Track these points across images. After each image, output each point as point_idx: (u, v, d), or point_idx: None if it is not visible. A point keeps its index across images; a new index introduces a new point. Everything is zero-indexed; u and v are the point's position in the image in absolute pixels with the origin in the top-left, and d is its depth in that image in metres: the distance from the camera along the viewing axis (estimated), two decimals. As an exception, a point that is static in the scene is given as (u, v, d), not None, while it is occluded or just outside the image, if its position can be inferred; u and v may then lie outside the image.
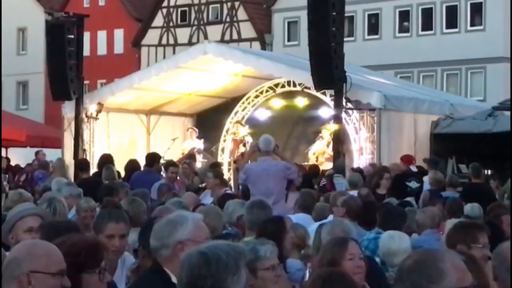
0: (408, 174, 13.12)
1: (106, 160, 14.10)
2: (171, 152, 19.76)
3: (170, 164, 12.79)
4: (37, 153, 18.87)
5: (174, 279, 3.89)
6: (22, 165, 20.43)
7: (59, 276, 2.99)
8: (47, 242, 3.20)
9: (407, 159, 15.06)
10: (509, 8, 31.63)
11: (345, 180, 12.56)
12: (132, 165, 13.53)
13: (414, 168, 14.41)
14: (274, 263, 4.33)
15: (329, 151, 18.16)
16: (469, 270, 2.93)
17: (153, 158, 13.48)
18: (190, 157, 17.18)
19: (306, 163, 18.31)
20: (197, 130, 20.44)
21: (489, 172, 15.42)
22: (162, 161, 15.88)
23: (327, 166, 17.29)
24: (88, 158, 17.92)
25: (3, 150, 22.97)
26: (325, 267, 4.41)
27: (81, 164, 14.60)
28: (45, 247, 3.08)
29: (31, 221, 4.59)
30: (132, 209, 6.83)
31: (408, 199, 11.13)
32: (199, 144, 20.03)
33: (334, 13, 16.03)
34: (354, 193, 10.37)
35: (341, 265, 4.55)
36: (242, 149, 19.14)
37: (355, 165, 16.12)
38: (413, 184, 12.40)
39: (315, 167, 16.61)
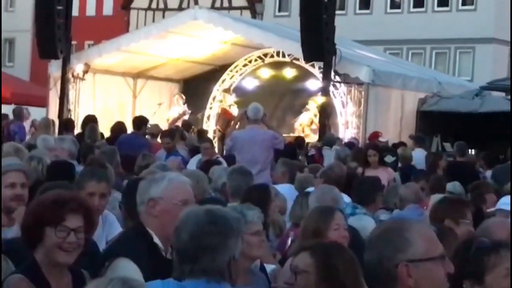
0: (383, 149, 13.12)
1: (90, 121, 14.02)
2: (156, 117, 19.67)
3: (206, 139, 12.65)
4: (14, 110, 18.65)
5: (156, 239, 3.87)
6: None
7: None
8: None
9: (373, 136, 15.11)
10: (501, -10, 31.60)
11: (333, 152, 12.54)
12: (119, 127, 13.45)
13: (384, 139, 14.35)
14: (259, 229, 4.34)
15: (316, 123, 18.15)
16: (445, 242, 2.93)
17: (140, 122, 13.40)
18: (186, 126, 17.09)
19: (292, 134, 18.29)
20: (184, 96, 20.35)
21: (473, 151, 15.47)
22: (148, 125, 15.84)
23: (312, 138, 17.29)
24: (73, 118, 17.82)
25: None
26: (309, 238, 4.39)
27: (66, 124, 14.52)
28: None
29: (14, 177, 4.54)
30: None
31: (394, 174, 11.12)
32: (185, 109, 19.94)
33: (327, -15, 15.95)
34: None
35: (326, 235, 4.55)
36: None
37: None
38: (389, 159, 12.40)
39: (300, 139, 16.58)
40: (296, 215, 6.28)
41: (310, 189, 7.86)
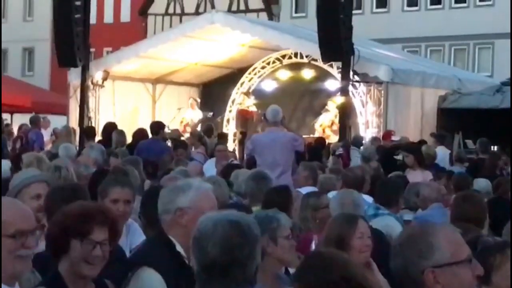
0: (395, 147, 13.04)
1: (111, 128, 14.07)
2: (177, 121, 19.75)
3: (219, 142, 12.55)
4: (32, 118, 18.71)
5: (178, 247, 3.86)
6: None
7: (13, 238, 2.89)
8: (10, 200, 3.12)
9: (386, 135, 15.02)
10: (519, -16, 31.35)
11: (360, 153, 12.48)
12: (141, 133, 13.45)
13: (396, 137, 14.23)
14: (289, 232, 4.35)
15: (336, 124, 18.09)
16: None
17: (158, 127, 13.43)
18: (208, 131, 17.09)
19: (312, 135, 18.26)
20: (198, 100, 20.41)
21: (495, 148, 15.35)
22: (167, 130, 15.88)
23: (333, 139, 17.23)
24: (93, 125, 17.89)
25: (8, 115, 22.94)
26: (332, 246, 4.37)
27: (88, 132, 14.56)
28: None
29: (38, 188, 4.55)
30: None
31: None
32: (199, 114, 19.99)
33: (343, -15, 15.89)
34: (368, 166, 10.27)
35: (350, 244, 4.54)
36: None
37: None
38: (401, 156, 12.33)
39: (322, 139, 16.54)
40: (303, 216, 6.24)
41: (332, 193, 7.84)
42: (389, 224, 6.49)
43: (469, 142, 15.88)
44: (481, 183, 9.20)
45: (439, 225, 2.89)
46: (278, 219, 4.29)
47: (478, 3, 32.76)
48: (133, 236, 5.36)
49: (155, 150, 11.40)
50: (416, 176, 9.86)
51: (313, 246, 5.52)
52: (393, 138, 14.54)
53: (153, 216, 4.06)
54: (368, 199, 7.44)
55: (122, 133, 13.04)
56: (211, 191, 4.01)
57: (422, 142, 13.87)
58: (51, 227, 3.55)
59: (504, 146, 14.49)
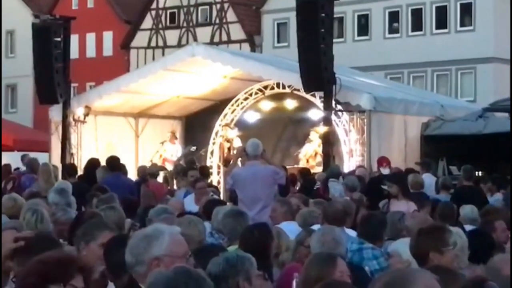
0: (382, 177, 12.95)
1: (93, 165, 13.92)
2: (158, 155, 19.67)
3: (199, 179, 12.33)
4: (23, 157, 18.63)
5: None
6: (9, 170, 20.15)
7: None
8: None
9: (380, 161, 14.89)
10: (498, 8, 31.62)
11: (340, 184, 12.32)
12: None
13: (385, 171, 14.10)
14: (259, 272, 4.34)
15: (321, 154, 18.01)
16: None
17: (115, 162, 13.25)
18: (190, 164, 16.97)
19: (296, 166, 18.17)
20: (176, 135, 20.37)
21: (480, 173, 15.31)
22: (147, 164, 15.76)
23: (318, 170, 17.15)
24: (75, 162, 17.74)
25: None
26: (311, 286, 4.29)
27: (69, 169, 14.39)
28: None
29: (6, 236, 4.44)
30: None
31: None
32: (179, 148, 19.89)
33: (323, 15, 15.93)
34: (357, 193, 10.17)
35: None
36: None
37: (345, 168, 15.99)
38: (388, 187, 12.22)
39: (305, 170, 16.44)
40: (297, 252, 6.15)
41: (315, 226, 7.72)
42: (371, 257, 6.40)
43: (454, 169, 15.84)
44: (467, 210, 9.12)
45: (418, 271, 2.78)
46: (249, 258, 4.26)
47: (459, 28, 32.99)
48: None
49: (122, 187, 11.18)
50: (400, 206, 9.75)
51: (293, 285, 5.39)
52: (382, 169, 14.32)
53: (120, 266, 3.89)
54: (352, 233, 7.32)
55: (107, 170, 12.89)
56: (180, 234, 3.88)
57: (409, 170, 13.79)
58: (26, 276, 3.44)
59: (488, 171, 14.46)
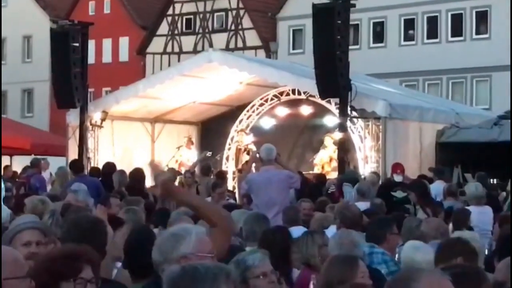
0: (393, 184, 12.97)
1: (110, 169, 14.04)
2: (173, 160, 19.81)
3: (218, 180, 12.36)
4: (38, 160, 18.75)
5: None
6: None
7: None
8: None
9: (394, 168, 14.87)
10: (514, 16, 31.58)
11: (353, 189, 12.38)
12: (138, 174, 13.39)
13: (398, 178, 14.12)
14: (266, 270, 4.28)
15: (335, 159, 18.06)
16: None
17: (78, 164, 13.46)
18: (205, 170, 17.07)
19: (311, 172, 18.24)
20: (193, 140, 20.50)
21: (495, 181, 15.32)
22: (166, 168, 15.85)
23: (333, 175, 17.20)
24: (97, 166, 17.84)
25: (7, 158, 22.95)
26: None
27: (74, 166, 14.32)
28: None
29: (29, 235, 4.52)
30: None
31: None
32: (194, 153, 20.00)
33: (339, 21, 16.01)
34: (362, 203, 10.22)
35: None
36: (246, 157, 19.09)
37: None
38: (399, 194, 12.24)
39: (321, 176, 16.51)
40: (303, 255, 6.20)
41: (332, 228, 7.79)
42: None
43: (468, 176, 15.85)
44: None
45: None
46: (244, 261, 4.24)
47: (474, 36, 32.97)
48: None
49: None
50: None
51: (311, 286, 5.46)
52: (395, 176, 14.30)
53: (144, 265, 3.98)
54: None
55: (123, 174, 13.00)
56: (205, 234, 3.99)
57: (421, 177, 13.83)
58: (37, 274, 3.54)
59: (503, 179, 14.47)
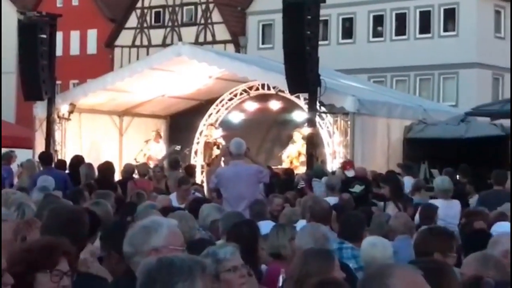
0: (350, 180, 13.07)
1: (78, 162, 13.94)
2: (141, 154, 19.72)
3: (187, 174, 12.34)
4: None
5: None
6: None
7: None
8: None
9: (344, 165, 14.95)
10: (482, 14, 31.90)
11: (323, 184, 12.44)
12: (107, 167, 13.33)
13: (350, 173, 14.07)
14: (237, 264, 4.28)
15: (304, 154, 18.13)
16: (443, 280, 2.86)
17: (48, 157, 13.49)
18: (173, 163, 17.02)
19: (280, 166, 18.29)
20: (161, 134, 20.44)
21: (458, 177, 15.44)
22: (134, 163, 15.86)
23: (301, 170, 17.27)
24: (63, 159, 17.72)
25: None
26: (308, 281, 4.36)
27: (44, 159, 14.23)
28: None
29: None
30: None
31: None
32: (163, 147, 19.94)
33: (309, 17, 16.04)
34: (332, 198, 10.27)
35: None
36: (216, 151, 19.07)
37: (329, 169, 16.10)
38: (357, 188, 12.36)
39: (289, 170, 16.56)
40: (273, 246, 6.21)
41: (301, 222, 7.80)
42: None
43: (435, 172, 15.99)
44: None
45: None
46: (215, 254, 4.25)
47: (442, 33, 33.22)
48: None
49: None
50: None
51: (280, 280, 5.47)
52: (346, 172, 14.33)
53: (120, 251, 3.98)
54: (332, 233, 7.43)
55: (90, 167, 12.90)
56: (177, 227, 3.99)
57: (390, 172, 13.92)
58: (12, 266, 3.51)
59: (469, 175, 14.60)
